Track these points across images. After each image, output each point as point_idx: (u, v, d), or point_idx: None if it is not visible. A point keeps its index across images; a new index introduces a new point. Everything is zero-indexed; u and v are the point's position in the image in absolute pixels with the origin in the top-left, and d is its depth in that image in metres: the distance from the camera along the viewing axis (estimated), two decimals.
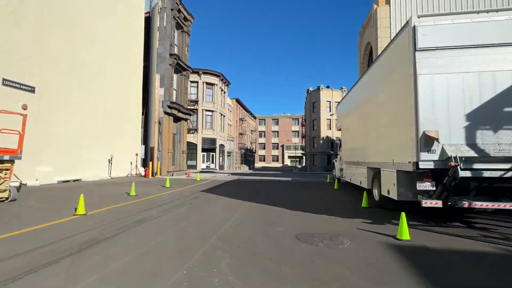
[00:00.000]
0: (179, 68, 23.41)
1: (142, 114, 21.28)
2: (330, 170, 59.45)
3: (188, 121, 45.12)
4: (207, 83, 46.08)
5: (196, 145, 44.56)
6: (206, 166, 45.67)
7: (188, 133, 45.16)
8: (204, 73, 45.45)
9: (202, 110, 45.19)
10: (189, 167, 44.77)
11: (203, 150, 45.24)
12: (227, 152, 52.54)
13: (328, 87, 57.44)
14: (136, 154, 19.14)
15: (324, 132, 55.67)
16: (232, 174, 32.48)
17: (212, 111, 46.37)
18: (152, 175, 19.42)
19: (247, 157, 72.18)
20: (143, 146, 20.98)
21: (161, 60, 20.72)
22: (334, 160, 17.98)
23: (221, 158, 49.23)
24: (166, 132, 20.74)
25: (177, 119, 23.34)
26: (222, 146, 49.30)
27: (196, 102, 44.75)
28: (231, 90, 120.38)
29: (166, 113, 20.66)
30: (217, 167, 46.54)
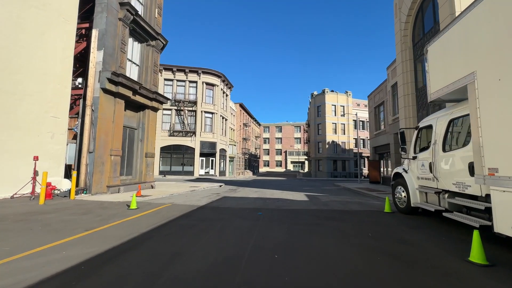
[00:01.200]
0: (143, 33, 13.60)
1: (81, 98, 11.47)
2: (336, 176, 49.00)
3: (188, 123, 34.86)
4: (207, 84, 36.42)
5: (193, 149, 34.61)
6: (205, 172, 35.61)
7: (185, 136, 35.43)
8: (203, 72, 35.84)
9: (201, 111, 35.40)
10: (186, 173, 34.83)
11: (202, 154, 35.24)
12: (229, 157, 42.47)
13: (332, 91, 47.35)
14: (35, 158, 9.25)
15: (330, 136, 45.32)
16: (227, 183, 22.29)
17: (212, 113, 36.54)
18: (77, 194, 9.41)
19: (252, 162, 61.95)
20: (75, 145, 11.13)
21: (102, 9, 11.11)
22: (401, 169, 7.73)
23: (222, 163, 39.15)
24: (106, 122, 10.87)
25: (135, 106, 13.33)
26: (223, 150, 39.28)
27: (194, 102, 35.03)
28: (235, 98, 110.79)
29: (106, 91, 10.81)
30: (217, 173, 36.43)
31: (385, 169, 22.69)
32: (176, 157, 34.63)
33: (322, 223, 6.19)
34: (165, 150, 34.13)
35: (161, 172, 33.40)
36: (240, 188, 17.53)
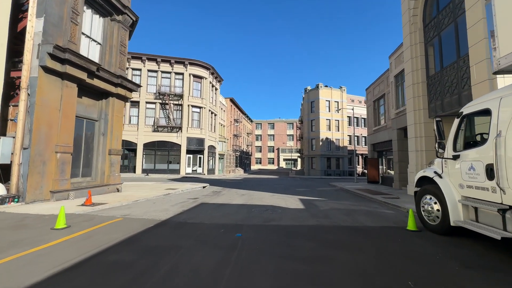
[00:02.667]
0: (105, 4, 11.12)
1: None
2: (330, 175, 47.34)
3: (174, 118, 31.40)
4: (195, 76, 33.89)
5: (179, 145, 32.17)
6: (193, 170, 33.25)
7: (170, 131, 32.77)
8: (191, 63, 33.29)
9: (188, 105, 32.91)
10: (171, 171, 32.35)
11: (189, 151, 32.83)
12: (219, 154, 40.17)
13: (326, 86, 45.53)
14: None
15: (324, 133, 43.56)
16: (214, 182, 19.96)
17: (200, 107, 34.09)
18: (3, 203, 7.06)
19: (243, 159, 59.77)
20: (12, 139, 8.72)
21: None
22: (432, 172, 5.69)
23: (211, 161, 36.83)
24: (49, 110, 8.50)
25: (95, 93, 10.94)
26: (212, 147, 36.94)
27: (180, 96, 32.50)
28: (226, 92, 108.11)
29: (48, 70, 8.44)
30: (205, 172, 34.12)
31: (384, 168, 20.92)
32: (161, 154, 32.12)
33: (329, 256, 4.08)
34: (148, 146, 31.57)
35: (143, 171, 30.87)
36: (226, 190, 15.35)
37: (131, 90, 12.18)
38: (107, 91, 11.04)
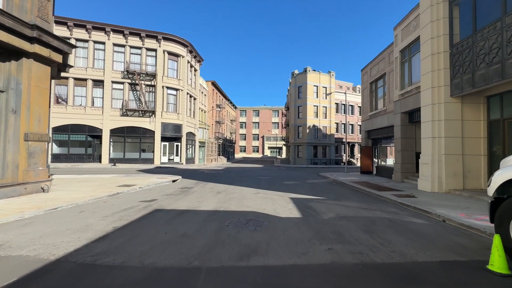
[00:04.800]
0: None
1: None
2: (316, 163, 45.47)
3: (146, 100, 26.22)
4: (170, 53, 29.80)
5: (153, 132, 28.52)
6: (169, 159, 29.88)
7: (142, 115, 28.78)
8: (165, 38, 29.11)
9: (163, 87, 29.01)
10: (144, 161, 28.81)
11: (164, 139, 29.28)
12: (199, 142, 36.83)
13: (315, 70, 42.85)
14: None
15: (311, 120, 41.30)
16: (190, 174, 16.79)
17: (176, 89, 30.28)
18: None
19: (226, 147, 56.65)
20: None
21: None
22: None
23: (190, 149, 33.51)
24: None
25: None
26: (191, 134, 33.51)
27: (153, 75, 28.49)
28: (207, 76, 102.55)
29: None
30: (184, 161, 30.85)
31: (379, 158, 18.87)
32: (131, 141, 28.37)
33: None
34: (116, 132, 27.67)
35: (111, 160, 27.12)
36: (200, 184, 12.48)
37: (60, 51, 8.67)
38: (17, 49, 7.55)
